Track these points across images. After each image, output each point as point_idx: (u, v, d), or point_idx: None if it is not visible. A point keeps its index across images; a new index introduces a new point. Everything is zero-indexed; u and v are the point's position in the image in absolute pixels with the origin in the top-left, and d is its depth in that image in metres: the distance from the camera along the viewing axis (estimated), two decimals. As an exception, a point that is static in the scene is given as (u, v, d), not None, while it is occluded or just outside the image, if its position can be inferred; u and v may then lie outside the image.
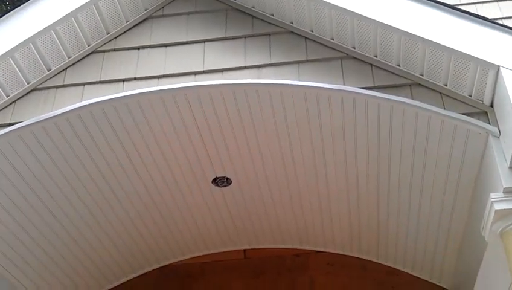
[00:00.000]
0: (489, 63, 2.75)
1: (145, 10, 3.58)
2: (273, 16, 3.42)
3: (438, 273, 4.32)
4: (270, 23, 3.42)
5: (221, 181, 4.04)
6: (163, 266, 4.91)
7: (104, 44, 3.51)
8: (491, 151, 2.85)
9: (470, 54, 2.79)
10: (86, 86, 3.38)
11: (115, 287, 4.86)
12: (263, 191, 4.12)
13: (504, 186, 2.71)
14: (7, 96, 3.37)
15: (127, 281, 4.89)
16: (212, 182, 4.03)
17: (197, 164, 3.84)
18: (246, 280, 4.76)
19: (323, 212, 4.23)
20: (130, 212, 4.12)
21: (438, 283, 4.41)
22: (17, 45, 3.25)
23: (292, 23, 3.37)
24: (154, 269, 4.90)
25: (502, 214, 2.73)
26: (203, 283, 4.81)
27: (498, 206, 2.72)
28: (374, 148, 3.40)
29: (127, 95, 3.27)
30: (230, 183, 4.06)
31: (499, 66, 2.73)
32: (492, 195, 2.75)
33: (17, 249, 3.90)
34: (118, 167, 3.72)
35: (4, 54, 3.24)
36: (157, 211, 4.20)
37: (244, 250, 4.88)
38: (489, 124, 2.87)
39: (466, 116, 2.91)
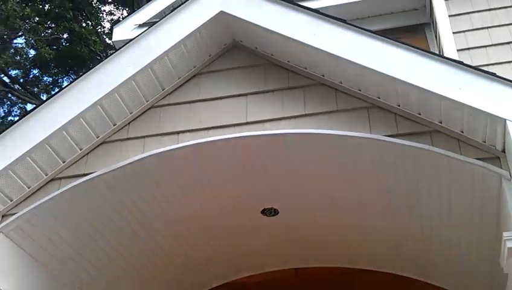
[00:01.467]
0: (497, 116, 3.06)
1: (194, 67, 4.05)
2: (306, 69, 3.82)
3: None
4: (303, 76, 3.82)
5: (269, 211, 4.48)
6: (222, 284, 5.41)
7: (160, 100, 4.00)
8: (504, 192, 3.15)
9: (479, 108, 3.11)
10: (146, 138, 3.89)
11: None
12: (308, 218, 4.53)
13: (516, 226, 3.02)
14: (80, 150, 3.93)
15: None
16: (261, 213, 4.48)
17: (247, 198, 4.29)
18: (298, 297, 5.19)
19: (367, 231, 4.57)
20: (194, 236, 4.64)
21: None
22: (87, 108, 3.78)
23: (323, 76, 3.76)
24: (214, 287, 5.41)
25: (514, 251, 3.04)
26: (258, 300, 5.28)
27: (510, 244, 3.03)
28: (402, 189, 3.76)
29: (182, 146, 3.75)
30: (277, 213, 4.49)
31: (505, 120, 3.03)
32: (505, 234, 3.06)
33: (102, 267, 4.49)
34: (175, 202, 4.22)
35: (76, 116, 3.78)
36: (213, 236, 4.68)
37: (296, 269, 5.31)
38: (501, 168, 3.18)
39: (480, 161, 3.23)
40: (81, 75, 3.92)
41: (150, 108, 4.01)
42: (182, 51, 3.93)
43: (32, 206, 3.83)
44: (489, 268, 4.14)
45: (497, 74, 3.18)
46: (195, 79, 4.05)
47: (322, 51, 3.57)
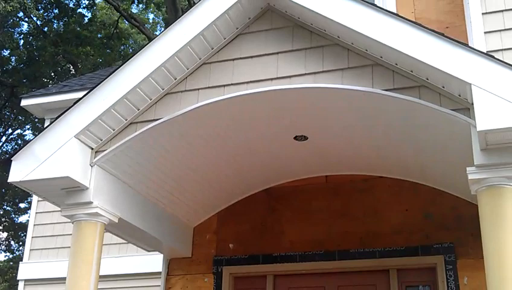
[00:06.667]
0: (465, 81, 3.99)
1: (236, 28, 5.01)
2: (325, 31, 4.73)
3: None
4: (323, 36, 4.74)
5: (300, 137, 5.58)
6: (264, 189, 6.66)
7: (210, 57, 5.02)
8: (471, 136, 4.15)
9: (452, 74, 4.03)
10: (199, 90, 4.97)
11: (233, 204, 6.72)
12: (332, 142, 5.62)
13: (475, 163, 4.05)
14: (150, 100, 5.06)
15: (242, 199, 6.74)
16: (293, 138, 5.59)
17: (282, 129, 5.38)
18: (327, 198, 6.43)
19: (378, 151, 5.65)
20: (239, 156, 5.86)
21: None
22: (154, 70, 4.86)
23: (338, 37, 4.67)
24: (259, 191, 6.68)
25: (474, 181, 4.10)
26: (295, 201, 6.54)
27: (471, 177, 4.09)
28: (399, 125, 4.78)
29: (227, 98, 4.83)
30: (307, 139, 5.59)
31: (471, 84, 3.97)
32: (468, 168, 4.10)
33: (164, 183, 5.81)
34: (225, 136, 5.38)
35: (146, 76, 4.87)
36: (258, 155, 5.84)
37: (326, 176, 6.49)
38: (470, 117, 4.14)
39: (455, 112, 4.19)
40: (143, 46, 4.97)
41: (202, 64, 5.04)
42: (225, 17, 4.87)
43: (118, 144, 5.07)
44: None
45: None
46: (237, 39, 5.01)
47: (335, 21, 4.48)
